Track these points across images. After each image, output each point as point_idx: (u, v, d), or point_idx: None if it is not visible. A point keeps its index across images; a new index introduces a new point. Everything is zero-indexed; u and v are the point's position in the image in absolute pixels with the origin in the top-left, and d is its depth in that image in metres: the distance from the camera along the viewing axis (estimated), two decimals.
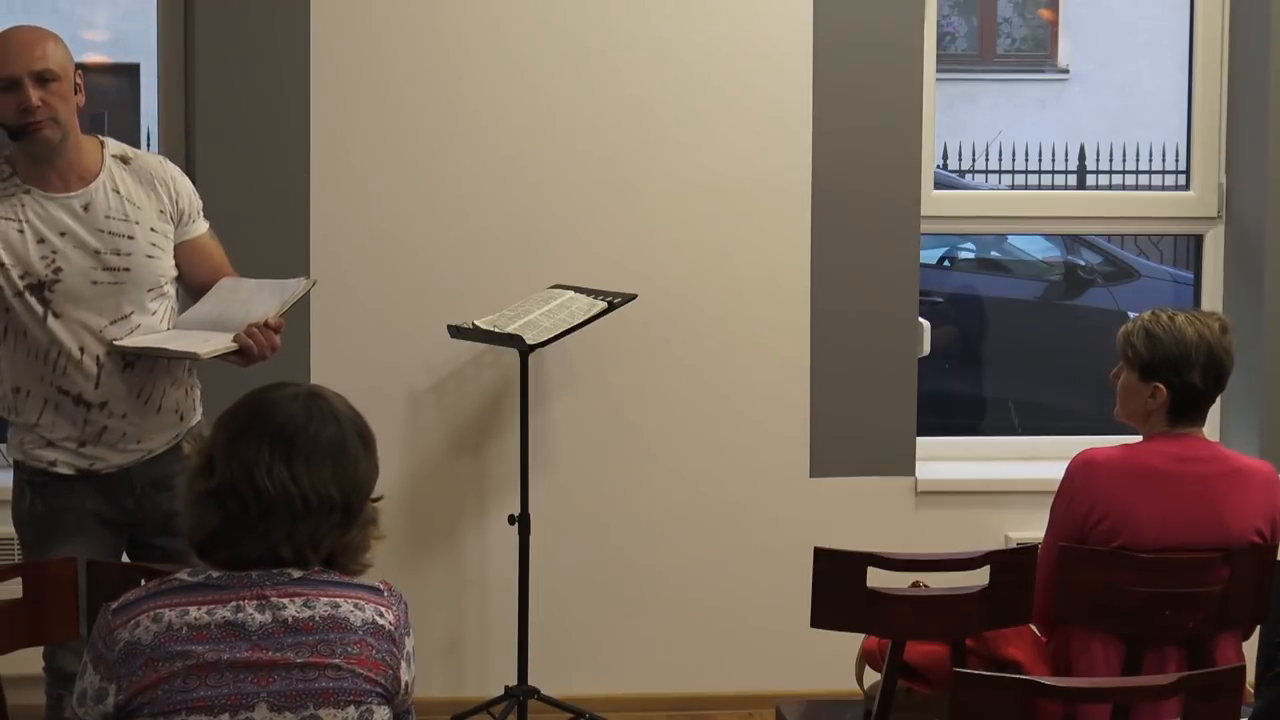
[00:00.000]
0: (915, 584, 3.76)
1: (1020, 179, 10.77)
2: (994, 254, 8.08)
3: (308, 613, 2.44)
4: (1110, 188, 10.72)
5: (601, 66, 4.94)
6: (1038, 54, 13.79)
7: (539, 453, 4.89)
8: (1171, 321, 3.64)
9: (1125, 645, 3.57)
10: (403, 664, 2.50)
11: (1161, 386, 3.62)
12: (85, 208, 3.65)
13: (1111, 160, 10.80)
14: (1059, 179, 10.75)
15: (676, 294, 4.97)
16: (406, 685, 2.52)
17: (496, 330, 4.59)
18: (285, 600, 2.44)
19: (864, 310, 5.04)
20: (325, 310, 4.78)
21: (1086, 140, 10.88)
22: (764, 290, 5.01)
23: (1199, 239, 5.36)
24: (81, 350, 3.63)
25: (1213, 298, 5.28)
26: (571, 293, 4.77)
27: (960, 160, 10.68)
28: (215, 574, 2.47)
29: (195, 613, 2.41)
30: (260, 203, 4.82)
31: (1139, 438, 3.70)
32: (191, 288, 3.84)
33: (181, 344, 3.65)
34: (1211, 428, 4.62)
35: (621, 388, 4.99)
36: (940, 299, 7.38)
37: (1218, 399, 3.75)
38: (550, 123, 4.93)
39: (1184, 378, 3.61)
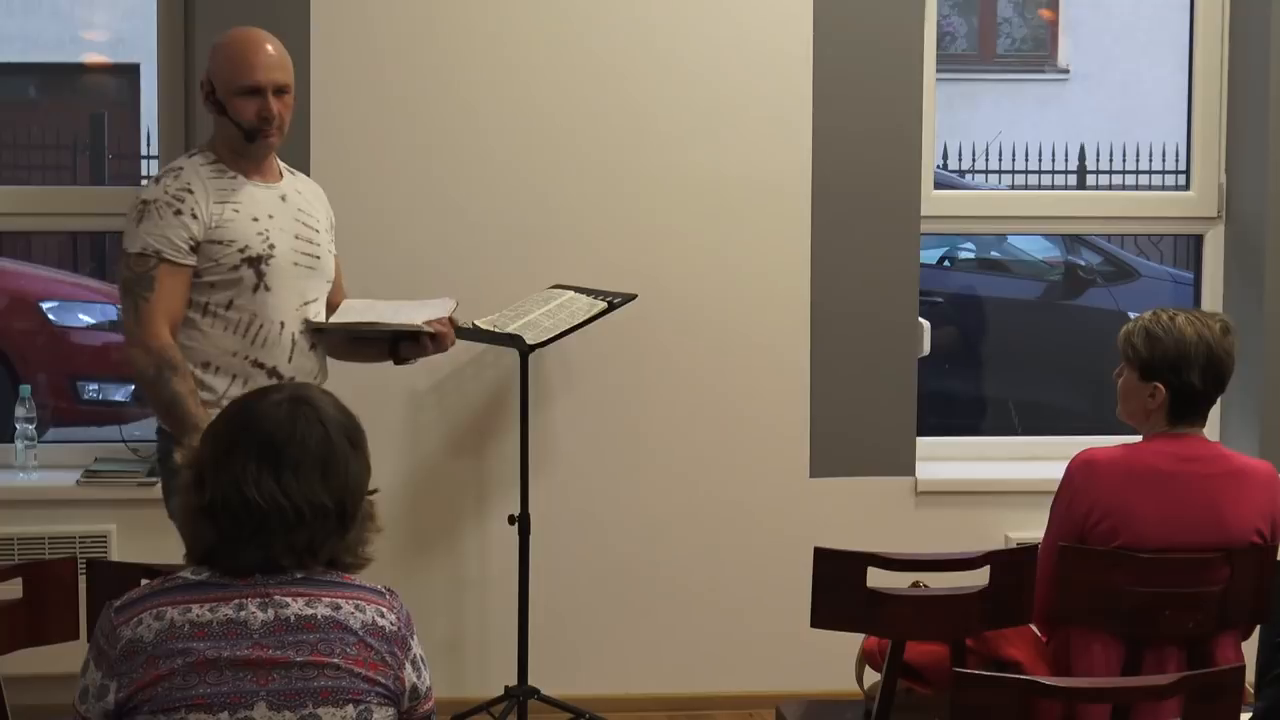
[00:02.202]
0: (915, 584, 3.76)
1: (1020, 179, 10.74)
2: (994, 254, 8.08)
3: (310, 611, 2.44)
4: (1110, 188, 10.70)
5: (601, 67, 4.94)
6: (1038, 54, 13.77)
7: (539, 453, 4.89)
8: (1172, 322, 3.64)
9: (1125, 645, 3.57)
10: (408, 666, 2.50)
11: (1161, 386, 3.62)
12: (283, 198, 3.94)
13: (1111, 160, 10.78)
14: (1059, 179, 10.73)
15: (676, 294, 4.97)
16: (415, 688, 2.51)
17: (496, 330, 4.59)
18: (288, 599, 2.44)
19: (864, 310, 5.04)
20: None
21: (1087, 140, 10.87)
22: (764, 290, 5.01)
23: (1199, 239, 5.36)
24: (281, 325, 3.83)
25: (1213, 298, 5.28)
26: (571, 293, 4.77)
27: (960, 160, 10.66)
28: (219, 574, 2.47)
29: (198, 610, 2.41)
30: None
31: (1139, 438, 3.70)
32: None
33: (388, 319, 3.96)
34: (1211, 428, 4.62)
35: (621, 388, 4.99)
36: (940, 299, 7.38)
37: (1218, 399, 3.75)
38: (550, 123, 4.93)
39: (1183, 378, 3.61)
